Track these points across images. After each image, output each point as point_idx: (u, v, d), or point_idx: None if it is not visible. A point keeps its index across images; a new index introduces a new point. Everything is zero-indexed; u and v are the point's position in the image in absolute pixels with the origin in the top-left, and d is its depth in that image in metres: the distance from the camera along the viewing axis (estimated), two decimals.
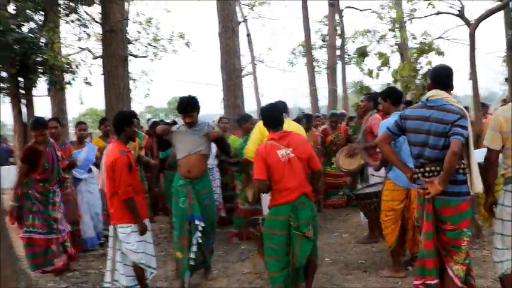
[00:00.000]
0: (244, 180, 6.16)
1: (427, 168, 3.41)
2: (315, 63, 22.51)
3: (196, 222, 4.67)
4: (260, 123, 5.31)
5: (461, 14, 9.03)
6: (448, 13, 9.71)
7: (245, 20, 24.15)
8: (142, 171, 6.74)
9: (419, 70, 6.78)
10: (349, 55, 22.08)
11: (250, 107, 29.77)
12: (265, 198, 5.04)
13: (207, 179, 5.02)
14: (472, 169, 3.41)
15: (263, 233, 4.23)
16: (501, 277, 3.55)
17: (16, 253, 4.69)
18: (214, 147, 6.63)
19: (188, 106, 4.77)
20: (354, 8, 21.14)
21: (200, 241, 4.70)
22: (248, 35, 24.68)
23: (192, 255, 4.62)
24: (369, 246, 5.76)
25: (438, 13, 10.24)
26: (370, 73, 9.08)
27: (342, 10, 21.86)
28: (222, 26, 10.47)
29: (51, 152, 5.46)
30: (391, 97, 4.91)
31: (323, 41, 21.58)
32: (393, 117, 4.39)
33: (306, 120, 7.70)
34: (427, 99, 3.50)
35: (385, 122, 4.57)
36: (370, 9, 20.32)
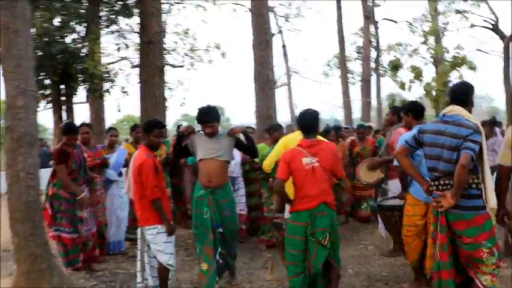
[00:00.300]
0: (269, 189, 6.22)
1: (441, 182, 3.53)
2: (349, 75, 22.54)
3: (219, 230, 4.69)
4: (285, 137, 5.52)
5: (495, 28, 8.97)
6: (482, 26, 9.63)
7: (280, 31, 24.38)
8: (167, 177, 6.84)
9: (449, 84, 6.74)
10: (384, 67, 21.98)
11: (284, 117, 29.94)
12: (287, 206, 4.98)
13: (228, 188, 4.92)
14: (487, 184, 3.48)
15: (285, 238, 4.33)
16: None
17: (51, 250, 5.01)
18: (238, 156, 6.80)
19: (208, 116, 4.71)
20: (390, 20, 21.11)
21: (222, 251, 4.76)
22: (283, 46, 24.88)
23: (215, 265, 4.64)
24: (392, 260, 5.77)
25: (472, 26, 10.16)
26: (402, 86, 9.09)
27: (378, 22, 21.86)
28: (256, 38, 10.68)
29: (78, 153, 5.72)
30: (413, 111, 4.96)
31: (358, 53, 21.52)
32: (414, 131, 4.49)
33: (335, 131, 7.80)
34: (443, 115, 3.63)
35: (404, 136, 4.64)
36: (406, 21, 20.30)
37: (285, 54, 25.18)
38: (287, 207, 4.96)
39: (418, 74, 8.24)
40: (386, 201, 5.60)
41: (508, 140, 3.61)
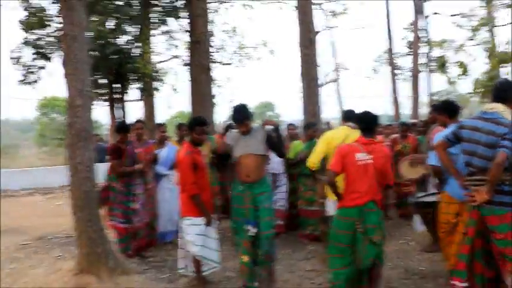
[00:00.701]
0: (315, 184, 6.25)
1: (476, 177, 3.66)
2: (399, 71, 22.22)
3: (249, 227, 4.63)
4: (326, 135, 5.60)
5: None
6: None
7: (329, 28, 24.33)
8: (215, 172, 6.99)
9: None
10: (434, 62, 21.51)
11: (333, 113, 29.88)
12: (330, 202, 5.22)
13: (266, 182, 4.94)
14: None
15: (330, 232, 4.43)
16: None
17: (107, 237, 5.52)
18: None
19: (241, 115, 4.80)
20: (442, 14, 20.62)
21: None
22: (332, 42, 24.87)
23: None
24: (431, 255, 5.80)
25: None
26: (450, 81, 8.99)
27: (427, 16, 21.42)
28: (301, 37, 10.90)
29: (131, 149, 6.21)
30: (447, 110, 4.98)
31: (408, 48, 21.17)
32: (449, 130, 4.60)
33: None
34: (483, 112, 3.78)
35: (440, 134, 4.76)
36: (458, 14, 19.77)
37: (334, 50, 25.15)
38: (329, 203, 5.19)
39: (464, 69, 8.09)
40: (424, 198, 5.66)
41: None
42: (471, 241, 3.79)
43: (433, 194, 5.53)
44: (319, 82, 24.46)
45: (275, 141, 4.92)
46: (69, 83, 5.01)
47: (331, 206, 5.11)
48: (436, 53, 20.34)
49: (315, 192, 6.47)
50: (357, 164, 4.16)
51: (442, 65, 9.71)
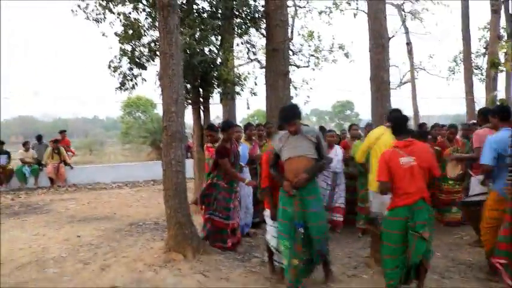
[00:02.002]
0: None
1: None
2: (478, 71, 21.76)
3: (300, 229, 4.69)
4: (371, 133, 6.06)
5: None
6: None
7: (406, 29, 24.28)
8: None
9: None
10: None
11: (408, 114, 29.52)
12: (377, 199, 5.53)
13: (315, 185, 4.93)
14: None
15: (381, 233, 4.67)
16: None
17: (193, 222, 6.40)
18: (341, 153, 7.64)
19: (289, 114, 4.79)
20: None
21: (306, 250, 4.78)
22: (408, 43, 24.71)
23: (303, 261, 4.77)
24: (480, 249, 6.07)
25: None
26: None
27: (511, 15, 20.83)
28: (373, 43, 11.36)
29: (234, 149, 6.64)
30: (499, 114, 5.37)
31: (485, 48, 20.73)
32: (502, 133, 5.05)
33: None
34: None
35: (491, 138, 5.19)
36: None
37: (410, 51, 24.98)
38: (378, 203, 5.48)
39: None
40: (470, 198, 6.07)
41: None
42: (509, 226, 4.47)
43: (478, 194, 5.92)
44: (394, 83, 24.32)
45: (322, 147, 4.89)
46: (165, 93, 5.96)
47: (375, 204, 5.52)
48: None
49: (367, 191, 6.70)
50: (402, 168, 4.40)
51: (493, 65, 9.68)
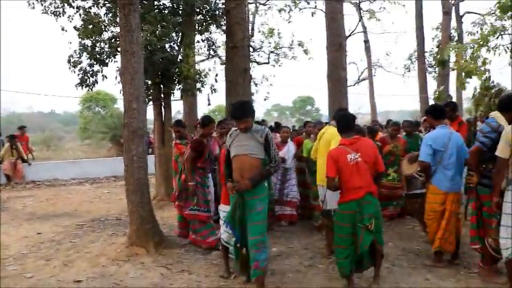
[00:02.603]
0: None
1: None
2: (432, 69, 22.58)
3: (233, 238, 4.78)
4: (320, 132, 6.32)
5: None
6: None
7: (364, 28, 24.88)
8: None
9: (491, 89, 7.15)
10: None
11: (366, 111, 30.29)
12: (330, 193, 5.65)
13: (261, 186, 4.69)
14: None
15: (334, 225, 4.91)
16: (506, 261, 4.46)
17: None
18: (293, 150, 7.79)
19: (241, 111, 4.62)
20: (475, 13, 20.85)
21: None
22: (366, 41, 25.36)
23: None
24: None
25: None
26: (462, 85, 9.37)
27: (462, 16, 21.70)
28: (330, 41, 11.73)
29: (211, 146, 6.47)
30: (432, 113, 5.70)
31: (438, 47, 21.57)
32: (438, 130, 5.44)
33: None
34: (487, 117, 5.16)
35: (428, 135, 5.58)
36: (493, 13, 19.90)
37: (368, 49, 25.64)
38: (331, 197, 5.59)
39: (468, 72, 8.36)
40: (414, 191, 6.42)
41: (508, 137, 4.36)
42: (475, 213, 4.97)
43: (420, 188, 6.29)
44: (353, 80, 24.76)
45: (271, 147, 4.70)
46: (127, 90, 6.05)
47: (329, 198, 5.64)
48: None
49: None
50: (349, 165, 4.60)
51: (440, 63, 10.13)
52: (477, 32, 12.33)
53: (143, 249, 6.11)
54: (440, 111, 5.72)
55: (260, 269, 4.54)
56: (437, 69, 21.53)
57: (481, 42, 9.29)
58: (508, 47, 10.64)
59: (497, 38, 10.26)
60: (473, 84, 9.18)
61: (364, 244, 4.57)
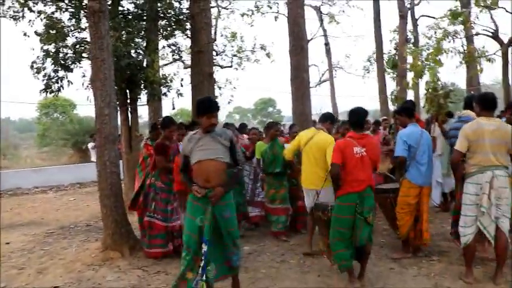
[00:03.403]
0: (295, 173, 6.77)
1: None
2: (391, 70, 23.25)
3: (203, 245, 4.19)
4: (302, 134, 6.34)
5: (495, 36, 9.92)
6: (484, 34, 10.60)
7: (324, 31, 25.39)
8: None
9: (440, 90, 7.44)
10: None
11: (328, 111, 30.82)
12: (308, 199, 6.02)
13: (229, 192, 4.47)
14: None
15: (331, 218, 4.92)
16: (464, 247, 4.84)
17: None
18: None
19: (211, 105, 4.37)
20: (429, 16, 21.70)
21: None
22: (326, 44, 25.88)
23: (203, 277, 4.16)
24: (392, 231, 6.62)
25: (477, 34, 11.09)
26: (406, 84, 9.71)
27: (418, 19, 22.48)
28: (293, 45, 11.97)
29: (175, 147, 6.22)
30: (405, 111, 5.96)
31: (395, 49, 22.24)
32: (411, 128, 5.73)
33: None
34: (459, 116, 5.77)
35: (402, 132, 5.82)
36: (445, 18, 20.81)
37: (328, 52, 26.16)
38: (326, 193, 5.72)
39: (418, 73, 8.64)
40: (382, 186, 6.60)
41: (467, 133, 4.73)
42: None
43: (391, 183, 6.56)
44: (314, 82, 25.19)
45: (236, 150, 4.52)
46: (98, 96, 6.11)
47: (326, 194, 5.74)
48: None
49: (277, 191, 7.03)
50: (355, 157, 4.72)
51: (394, 65, 10.66)
52: (431, 35, 12.96)
53: (118, 252, 6.18)
54: (412, 110, 6.02)
55: (235, 268, 4.52)
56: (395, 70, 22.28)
57: (436, 46, 9.76)
58: (459, 50, 11.35)
59: (450, 41, 10.92)
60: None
61: (363, 236, 4.71)
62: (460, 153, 4.80)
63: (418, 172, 5.64)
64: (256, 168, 7.69)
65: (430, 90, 6.89)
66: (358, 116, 5.01)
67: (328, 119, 6.42)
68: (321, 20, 24.72)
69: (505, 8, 10.08)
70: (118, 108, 10.03)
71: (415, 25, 22.03)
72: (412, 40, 20.83)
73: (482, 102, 4.89)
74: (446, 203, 8.43)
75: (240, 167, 4.63)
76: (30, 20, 9.90)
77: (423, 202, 5.68)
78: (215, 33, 19.09)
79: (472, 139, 4.72)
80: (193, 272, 4.20)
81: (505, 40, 10.28)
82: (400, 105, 6.72)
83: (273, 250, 6.49)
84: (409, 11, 20.90)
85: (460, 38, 11.48)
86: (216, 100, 4.89)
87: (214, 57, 17.01)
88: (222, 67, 19.44)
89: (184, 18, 10.66)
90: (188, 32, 11.01)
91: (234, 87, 20.09)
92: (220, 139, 4.37)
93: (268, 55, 20.44)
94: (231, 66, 19.88)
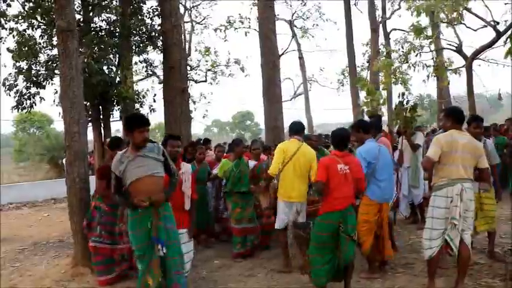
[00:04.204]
0: (261, 189, 6.54)
1: None
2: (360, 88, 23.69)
3: (159, 247, 4.14)
4: (280, 146, 6.06)
5: (459, 50, 10.34)
6: (448, 49, 11.03)
7: (298, 45, 25.78)
8: None
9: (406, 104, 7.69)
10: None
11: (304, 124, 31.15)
12: (288, 212, 5.90)
13: (168, 205, 4.41)
14: None
15: (311, 234, 5.00)
16: (428, 259, 4.83)
17: None
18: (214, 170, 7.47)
19: (144, 117, 4.37)
20: (401, 29, 22.15)
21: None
22: (300, 57, 26.26)
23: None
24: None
25: (442, 48, 11.54)
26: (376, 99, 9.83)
27: (390, 32, 23.01)
28: (264, 59, 12.26)
29: None
30: (363, 127, 5.88)
31: (368, 62, 22.67)
32: (368, 144, 5.73)
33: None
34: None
35: (360, 149, 5.67)
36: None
37: (302, 65, 26.53)
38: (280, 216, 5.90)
39: (369, 90, 8.94)
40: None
41: (440, 142, 4.73)
42: None
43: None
44: (289, 96, 25.49)
45: (169, 162, 4.49)
46: (67, 114, 6.21)
47: (280, 218, 5.93)
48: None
49: (243, 210, 6.83)
50: (339, 174, 4.76)
51: (363, 84, 10.97)
52: (399, 49, 13.36)
53: (88, 268, 6.23)
54: (369, 125, 6.03)
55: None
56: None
57: (402, 59, 10.21)
58: (426, 64, 11.76)
59: (416, 55, 11.30)
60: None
61: (349, 254, 4.77)
62: (432, 161, 4.72)
63: (377, 188, 5.56)
64: (220, 186, 7.58)
65: (396, 104, 7.19)
66: (341, 137, 5.08)
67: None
68: (294, 35, 25.10)
69: (465, 24, 10.54)
70: (90, 124, 10.17)
71: (387, 38, 22.54)
72: (385, 53, 21.31)
73: (453, 115, 4.91)
74: (415, 215, 8.41)
75: (176, 178, 4.59)
76: (1, 38, 9.96)
77: (382, 218, 5.61)
78: (189, 48, 19.35)
79: (445, 150, 4.70)
80: (153, 278, 4.07)
81: (469, 54, 10.72)
82: (356, 121, 6.83)
83: (242, 264, 6.59)
84: (381, 25, 21.42)
85: (426, 52, 11.90)
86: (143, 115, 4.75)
87: (188, 72, 17.20)
88: (196, 82, 19.66)
89: (156, 35, 10.83)
90: (160, 48, 11.17)
91: (209, 102, 20.31)
92: (153, 154, 4.29)
93: (242, 69, 20.73)
94: (205, 81, 20.10)
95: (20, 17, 9.79)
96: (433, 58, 13.45)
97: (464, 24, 10.63)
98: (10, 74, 9.73)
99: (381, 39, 21.87)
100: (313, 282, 4.95)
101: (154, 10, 10.97)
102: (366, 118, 9.10)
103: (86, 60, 9.08)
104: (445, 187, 4.72)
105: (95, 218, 5.85)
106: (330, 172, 4.76)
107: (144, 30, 10.79)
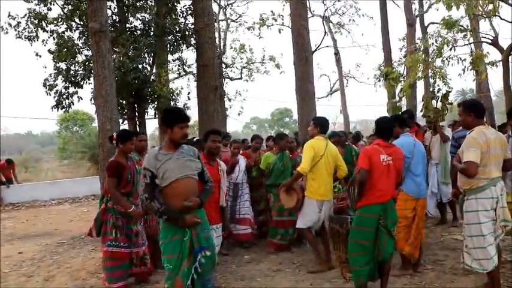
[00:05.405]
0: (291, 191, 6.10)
1: None
2: (401, 78, 23.26)
3: (206, 252, 3.91)
4: (311, 142, 5.92)
5: (495, 42, 9.98)
6: (483, 42, 10.66)
7: (334, 41, 25.54)
8: None
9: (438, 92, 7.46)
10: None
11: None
12: (305, 210, 5.88)
13: (202, 209, 4.05)
14: None
15: (350, 230, 4.72)
16: (492, 270, 4.35)
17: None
18: (243, 163, 7.38)
19: (185, 112, 4.04)
20: (439, 23, 21.62)
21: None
22: (336, 53, 26.00)
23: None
24: None
25: (477, 42, 11.15)
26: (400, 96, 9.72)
27: (427, 26, 22.51)
28: (297, 56, 12.20)
29: (132, 165, 5.44)
30: (397, 122, 5.65)
31: (405, 57, 22.24)
32: (402, 139, 5.52)
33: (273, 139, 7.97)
34: None
35: (395, 143, 5.40)
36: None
37: (338, 61, 26.25)
38: (304, 211, 5.83)
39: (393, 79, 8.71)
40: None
41: (479, 143, 4.35)
42: None
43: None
44: (326, 92, 25.36)
45: (203, 166, 4.18)
46: (100, 112, 6.44)
47: (304, 215, 5.88)
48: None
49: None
50: (382, 165, 4.52)
51: (393, 78, 10.76)
52: (432, 43, 13.06)
53: None
54: (403, 120, 5.90)
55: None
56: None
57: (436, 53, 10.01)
58: (460, 58, 11.43)
59: (451, 49, 11.01)
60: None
61: (388, 250, 4.52)
62: (477, 165, 4.27)
63: (413, 183, 5.42)
64: (236, 185, 7.35)
65: (424, 95, 7.00)
66: (386, 126, 4.86)
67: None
68: (327, 31, 24.86)
69: (500, 16, 10.14)
70: (126, 122, 10.45)
71: (424, 32, 22.04)
72: (422, 48, 20.86)
73: (475, 110, 4.55)
74: (444, 214, 8.05)
75: (210, 185, 4.24)
76: (43, 40, 10.38)
77: (417, 215, 5.40)
78: (224, 45, 19.48)
79: (483, 150, 4.32)
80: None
81: (505, 46, 10.36)
82: (391, 116, 6.73)
83: (271, 258, 6.63)
84: (418, 19, 20.98)
85: (461, 46, 11.57)
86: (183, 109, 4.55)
87: (224, 69, 17.35)
88: (231, 79, 19.79)
89: (190, 34, 11.03)
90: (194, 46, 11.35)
91: (244, 99, 20.41)
92: (189, 156, 3.98)
93: (277, 66, 20.72)
94: (240, 78, 20.21)
95: (59, 19, 10.17)
96: (471, 51, 13.10)
97: (499, 16, 10.29)
98: (50, 75, 10.11)
99: (419, 34, 21.38)
100: (355, 283, 4.69)
101: (188, 9, 11.17)
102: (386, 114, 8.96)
103: (121, 58, 9.35)
104: (487, 188, 4.36)
105: (108, 221, 5.36)
106: (373, 162, 4.51)
107: (177, 29, 11.00)
